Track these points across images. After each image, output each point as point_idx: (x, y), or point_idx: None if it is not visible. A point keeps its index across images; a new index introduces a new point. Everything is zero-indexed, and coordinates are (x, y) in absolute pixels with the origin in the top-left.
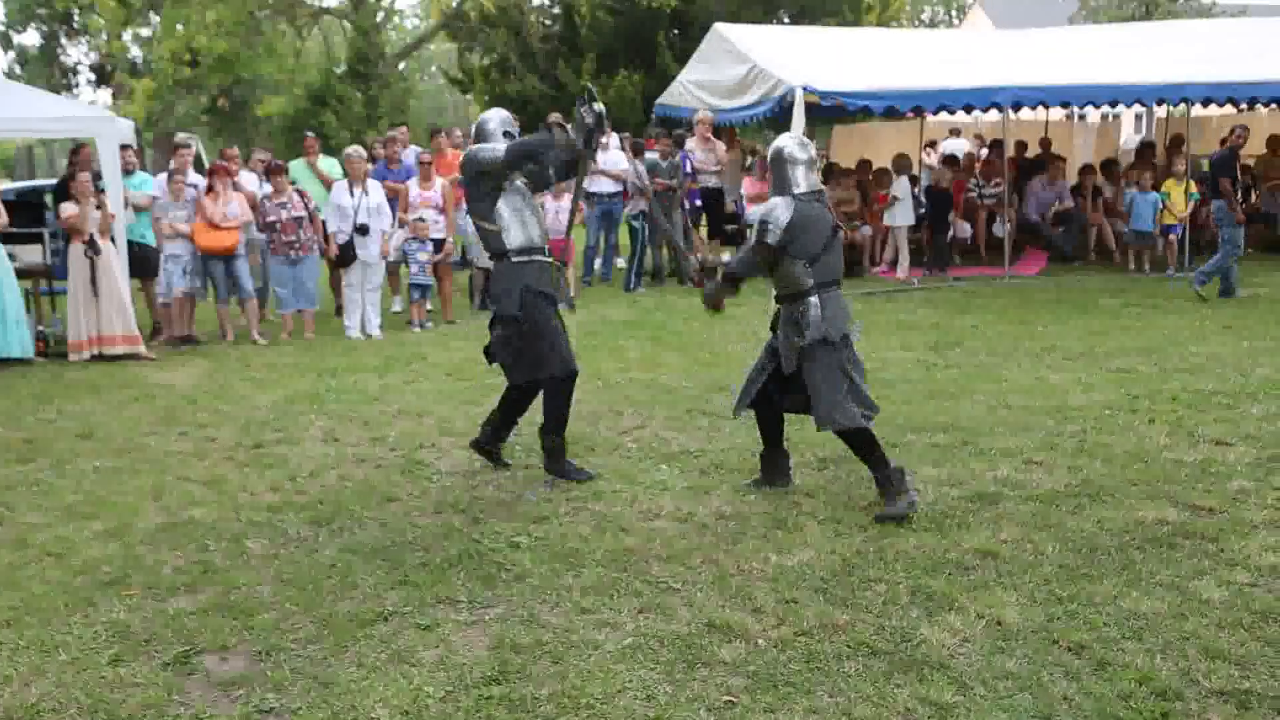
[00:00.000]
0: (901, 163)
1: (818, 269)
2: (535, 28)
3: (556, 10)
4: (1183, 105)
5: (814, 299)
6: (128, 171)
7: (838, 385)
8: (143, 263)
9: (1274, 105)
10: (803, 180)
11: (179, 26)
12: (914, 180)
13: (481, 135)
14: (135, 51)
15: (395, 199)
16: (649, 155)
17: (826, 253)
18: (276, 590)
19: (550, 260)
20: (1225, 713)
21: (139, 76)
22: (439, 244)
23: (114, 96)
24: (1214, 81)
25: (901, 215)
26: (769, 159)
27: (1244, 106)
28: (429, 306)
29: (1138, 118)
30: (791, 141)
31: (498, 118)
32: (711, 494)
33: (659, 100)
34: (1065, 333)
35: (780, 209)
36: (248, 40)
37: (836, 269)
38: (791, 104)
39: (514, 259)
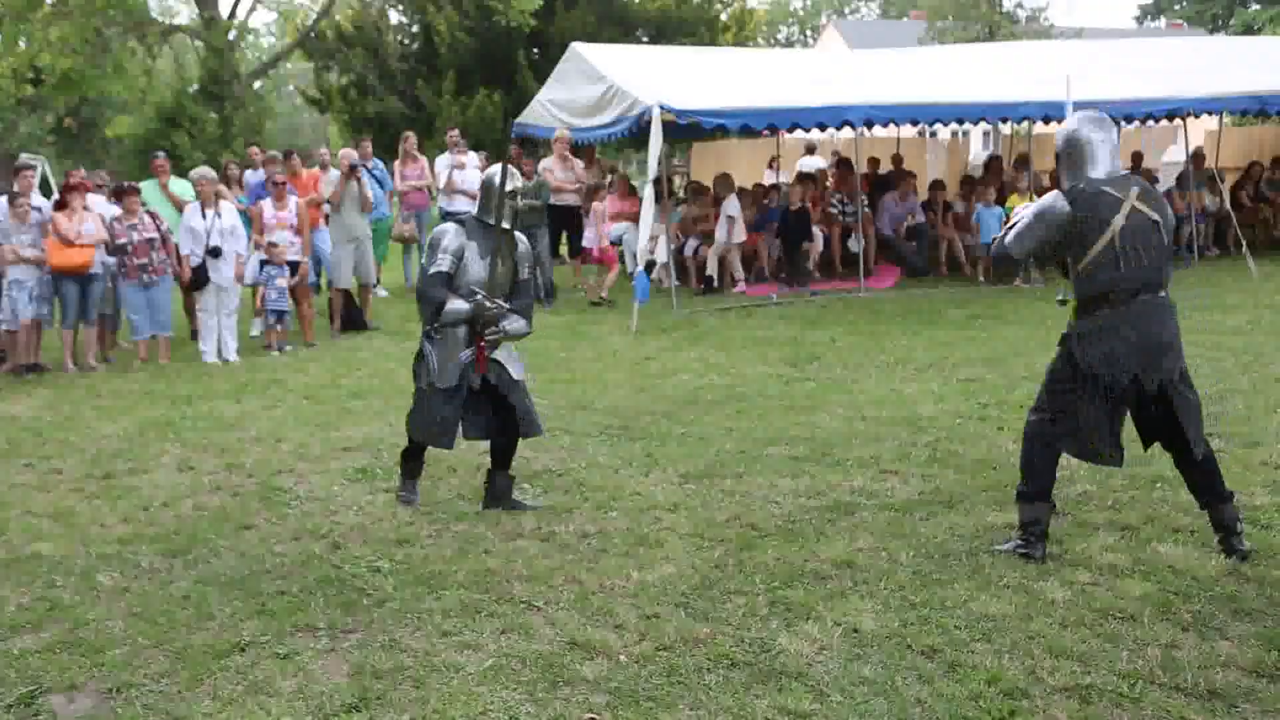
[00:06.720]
0: (726, 182)
1: (1092, 279)
2: (393, 47)
3: (415, 29)
4: (1025, 123)
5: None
6: None
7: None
8: None
9: None
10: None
11: (21, 43)
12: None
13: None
14: None
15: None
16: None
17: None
18: (128, 625)
19: None
20: (1069, 708)
21: None
22: (295, 266)
23: None
24: (1052, 100)
25: (731, 233)
26: (1060, 146)
27: None
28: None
29: (985, 135)
30: (1084, 121)
31: None
32: (574, 513)
33: (518, 119)
34: (916, 345)
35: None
36: (94, 58)
37: (1121, 279)
38: (649, 122)
39: None
